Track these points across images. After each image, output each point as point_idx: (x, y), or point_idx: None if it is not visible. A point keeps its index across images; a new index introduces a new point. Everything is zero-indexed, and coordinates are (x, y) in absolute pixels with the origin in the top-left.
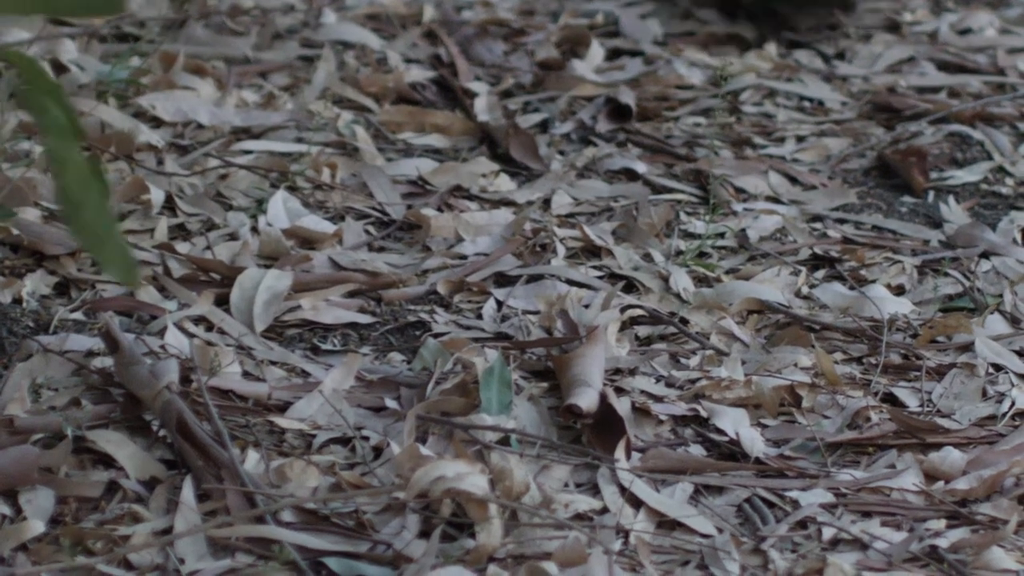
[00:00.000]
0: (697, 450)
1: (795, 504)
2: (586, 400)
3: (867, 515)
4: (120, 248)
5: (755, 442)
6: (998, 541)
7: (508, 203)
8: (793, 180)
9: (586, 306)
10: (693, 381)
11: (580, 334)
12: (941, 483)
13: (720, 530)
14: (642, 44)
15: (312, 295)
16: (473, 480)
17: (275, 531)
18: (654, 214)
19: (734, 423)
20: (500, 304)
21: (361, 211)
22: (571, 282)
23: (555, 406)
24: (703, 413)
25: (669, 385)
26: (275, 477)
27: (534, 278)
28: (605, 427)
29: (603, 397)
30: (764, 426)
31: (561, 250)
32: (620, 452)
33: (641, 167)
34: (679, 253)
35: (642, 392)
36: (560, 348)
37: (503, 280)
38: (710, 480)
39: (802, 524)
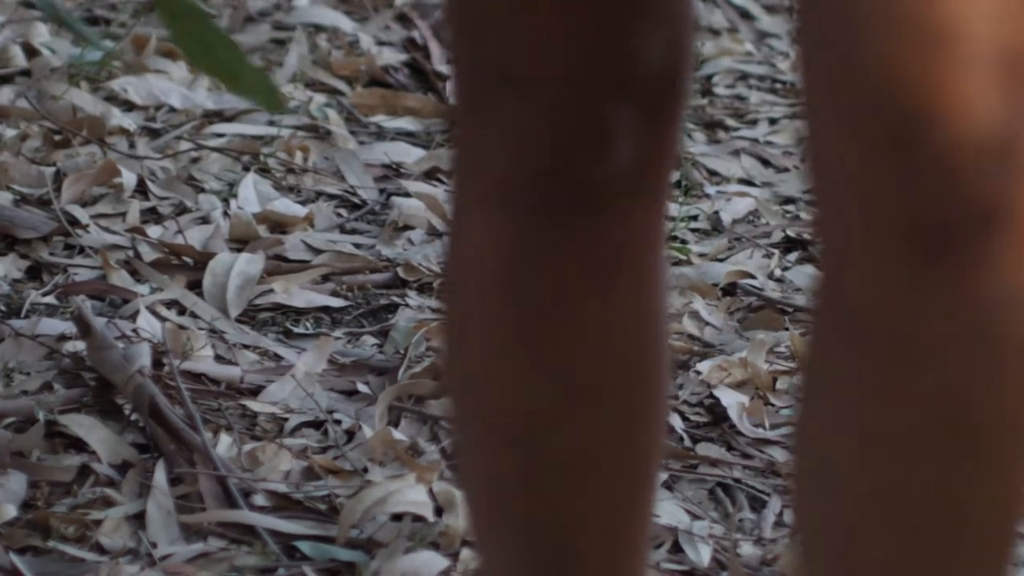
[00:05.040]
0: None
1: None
2: None
3: None
4: (258, 77)
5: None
6: None
7: None
8: (766, 162)
9: None
10: None
11: None
12: None
13: (693, 514)
14: None
15: (285, 279)
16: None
17: (248, 516)
18: None
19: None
20: None
21: (333, 194)
22: None
23: None
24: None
25: None
26: (247, 461)
27: None
28: None
29: None
30: None
31: None
32: None
33: None
34: None
35: None
36: None
37: None
38: (684, 463)
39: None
